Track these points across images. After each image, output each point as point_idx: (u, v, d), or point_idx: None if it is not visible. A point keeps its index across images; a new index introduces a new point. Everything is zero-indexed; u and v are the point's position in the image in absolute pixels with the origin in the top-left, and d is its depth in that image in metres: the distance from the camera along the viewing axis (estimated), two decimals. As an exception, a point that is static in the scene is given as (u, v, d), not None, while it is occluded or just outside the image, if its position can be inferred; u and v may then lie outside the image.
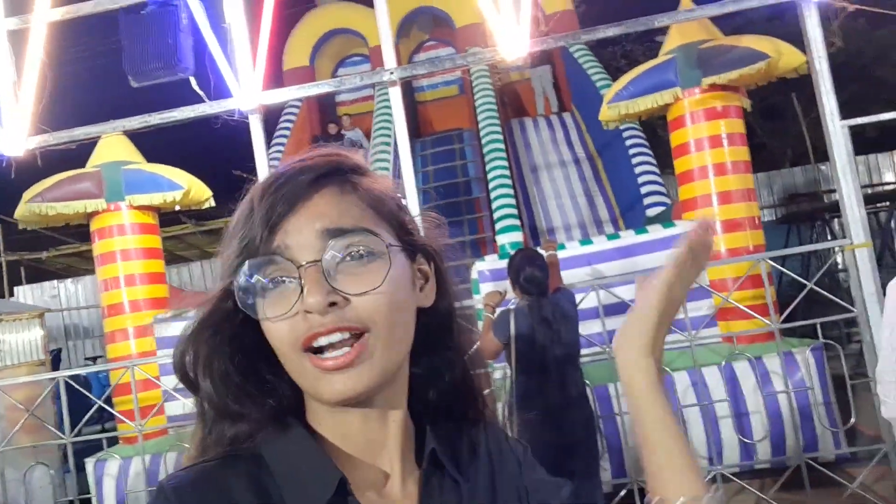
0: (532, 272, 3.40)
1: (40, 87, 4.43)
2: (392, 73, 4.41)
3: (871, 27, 12.44)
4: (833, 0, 4.27)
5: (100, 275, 5.90)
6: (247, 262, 0.67)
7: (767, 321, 4.46)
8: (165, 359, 5.38)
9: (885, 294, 2.39)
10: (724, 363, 4.72)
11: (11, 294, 12.87)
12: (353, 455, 0.72)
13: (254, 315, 0.68)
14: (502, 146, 8.23)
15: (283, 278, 0.67)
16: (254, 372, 0.72)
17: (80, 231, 7.30)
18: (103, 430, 5.68)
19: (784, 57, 4.99)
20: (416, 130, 11.02)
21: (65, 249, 13.57)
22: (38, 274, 14.29)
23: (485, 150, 8.29)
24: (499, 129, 8.57)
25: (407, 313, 0.72)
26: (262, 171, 4.59)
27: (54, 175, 5.73)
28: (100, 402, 5.00)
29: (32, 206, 5.61)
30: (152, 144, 5.81)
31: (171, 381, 5.14)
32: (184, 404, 5.12)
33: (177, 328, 5.71)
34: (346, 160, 0.74)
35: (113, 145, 5.86)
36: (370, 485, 0.72)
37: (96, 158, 5.96)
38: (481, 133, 8.67)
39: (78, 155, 5.76)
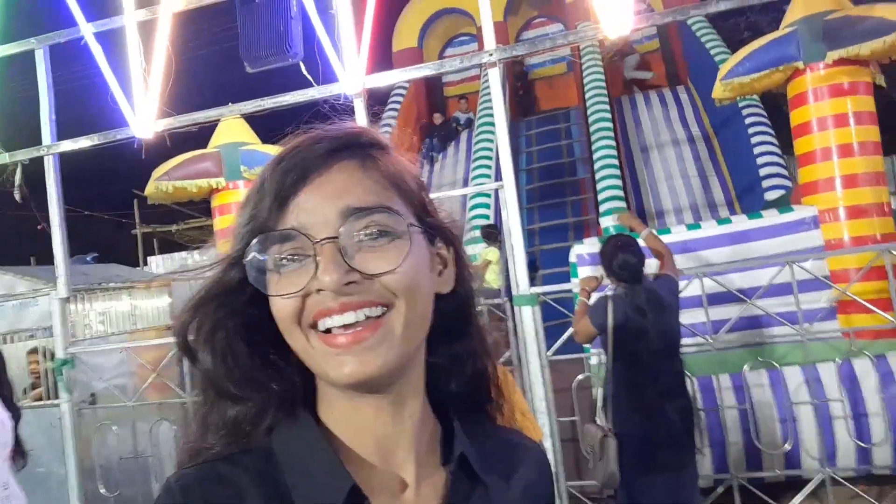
0: (625, 258, 3.30)
1: (166, 73, 4.74)
2: (491, 54, 4.37)
3: None
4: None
5: (220, 248, 6.26)
6: (259, 236, 0.64)
7: (890, 317, 4.12)
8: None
9: None
10: (841, 360, 4.41)
11: (145, 263, 13.95)
12: (364, 451, 0.68)
13: (264, 290, 0.65)
14: (609, 125, 8.01)
15: (298, 254, 0.63)
16: (259, 351, 0.68)
17: (207, 206, 7.82)
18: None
19: (923, 28, 4.54)
20: (525, 109, 10.91)
21: (192, 223, 14.57)
22: (169, 245, 15.44)
23: (591, 128, 8.10)
24: (607, 107, 8.34)
25: (426, 296, 0.68)
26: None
27: (179, 155, 6.15)
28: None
29: (160, 184, 6.06)
30: (268, 126, 6.10)
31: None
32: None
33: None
34: (366, 134, 0.71)
35: (231, 127, 6.21)
36: (382, 487, 0.68)
37: (216, 139, 6.33)
38: (588, 111, 8.47)
39: (201, 136, 6.16)
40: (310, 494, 0.64)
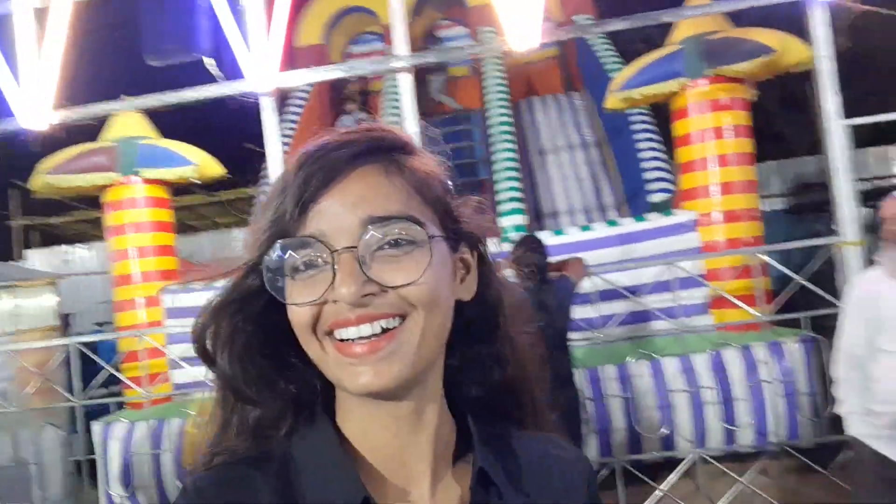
0: (534, 259, 3.55)
1: (63, 62, 4.55)
2: (402, 60, 4.50)
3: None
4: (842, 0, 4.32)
5: (111, 245, 6.08)
6: (278, 242, 0.64)
7: (756, 312, 4.58)
8: (173, 329, 5.58)
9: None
10: (713, 351, 4.86)
11: (21, 257, 13.09)
12: (380, 460, 0.67)
13: (280, 298, 0.64)
14: (510, 128, 8.29)
15: (315, 262, 0.63)
16: (278, 355, 0.68)
17: (92, 197, 7.48)
18: (109, 395, 5.90)
19: (790, 51, 5.04)
20: (427, 110, 11.08)
21: (77, 215, 13.74)
22: (51, 238, 14.52)
23: (492, 131, 8.36)
24: (508, 110, 8.62)
25: (445, 306, 0.66)
26: (273, 150, 4.72)
27: (71, 147, 5.89)
28: (109, 368, 5.19)
29: (48, 178, 5.79)
30: (167, 120, 5.95)
31: (178, 350, 5.33)
32: (190, 373, 5.32)
33: (185, 300, 5.89)
34: (391, 136, 0.69)
35: (128, 120, 6.00)
36: (397, 498, 0.67)
37: (111, 132, 6.09)
38: (488, 114, 8.73)
39: (97, 127, 5.92)
40: (322, 503, 0.64)
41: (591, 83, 10.03)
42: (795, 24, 4.70)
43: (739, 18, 5.42)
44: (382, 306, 0.62)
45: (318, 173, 0.64)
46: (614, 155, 9.04)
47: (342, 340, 0.63)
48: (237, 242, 13.06)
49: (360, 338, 0.62)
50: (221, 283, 0.71)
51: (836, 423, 4.82)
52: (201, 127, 7.96)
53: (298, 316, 0.64)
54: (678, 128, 5.57)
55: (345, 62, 9.89)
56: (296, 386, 0.69)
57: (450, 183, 0.73)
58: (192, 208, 13.19)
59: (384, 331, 0.63)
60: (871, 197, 9.33)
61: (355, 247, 0.62)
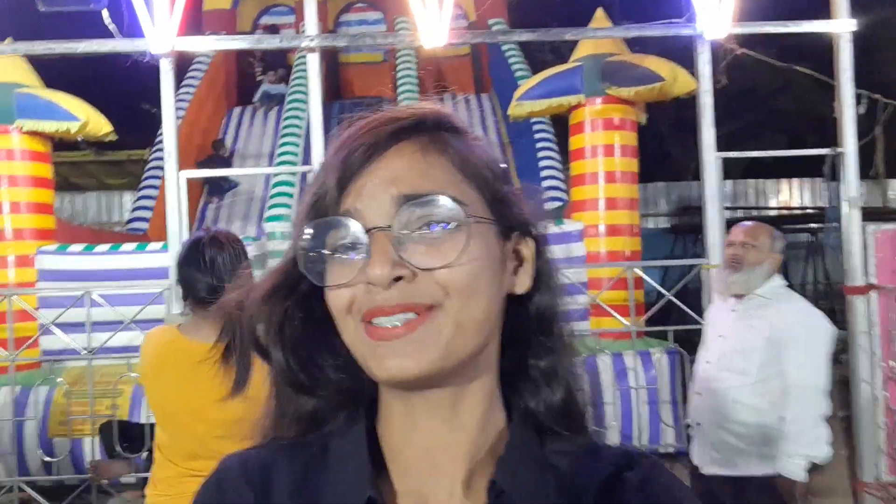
0: None
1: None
2: (312, 39, 4.47)
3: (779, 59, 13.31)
4: (725, 41, 4.66)
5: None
6: (312, 223, 0.61)
7: (627, 322, 4.88)
8: (46, 291, 5.28)
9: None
10: (587, 356, 5.13)
11: None
12: (410, 459, 0.64)
13: (316, 281, 0.62)
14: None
15: (350, 244, 0.60)
16: (326, 344, 0.65)
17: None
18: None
19: (678, 82, 5.38)
20: (336, 92, 10.96)
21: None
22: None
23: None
24: (417, 100, 8.68)
25: (488, 298, 0.61)
26: (169, 115, 4.56)
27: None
28: (-30, 329, 4.86)
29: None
30: (57, 71, 5.59)
31: (49, 314, 5.06)
32: (61, 339, 5.06)
33: (60, 261, 5.58)
34: (435, 114, 0.65)
35: (8, 65, 5.58)
36: (412, 500, 0.63)
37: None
38: (400, 104, 8.76)
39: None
40: (335, 499, 0.63)
41: (500, 86, 10.27)
42: (685, 57, 5.04)
43: (635, 45, 5.73)
44: (414, 295, 0.58)
45: (358, 151, 0.61)
46: (516, 159, 9.31)
47: (373, 324, 0.59)
48: (126, 206, 12.45)
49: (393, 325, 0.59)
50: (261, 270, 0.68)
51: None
52: (90, 81, 7.54)
53: (334, 299, 0.61)
54: (574, 142, 5.83)
55: (254, 33, 9.62)
56: (345, 377, 0.66)
57: (502, 166, 0.67)
58: (78, 165, 12.43)
59: (416, 315, 0.59)
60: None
61: (390, 226, 0.59)
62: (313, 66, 4.52)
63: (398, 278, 0.58)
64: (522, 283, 0.66)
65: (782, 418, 2.63)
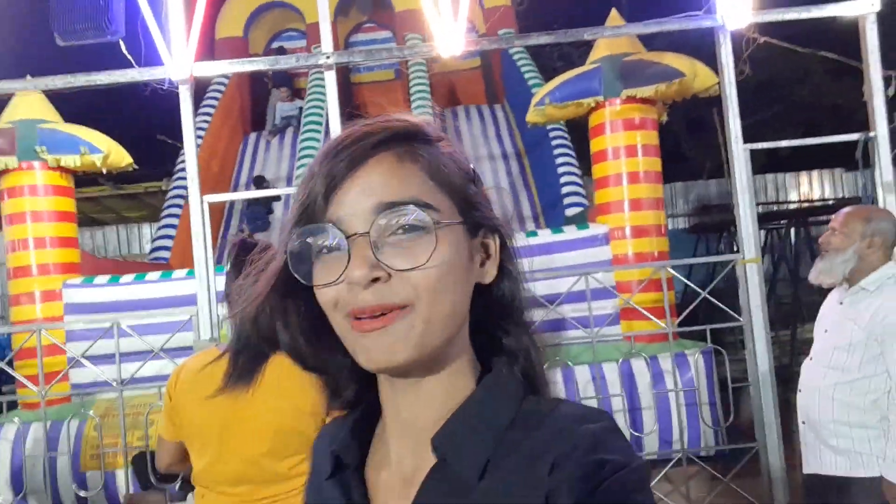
0: None
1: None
2: (328, 57, 4.46)
3: (793, 50, 13.20)
4: (745, 30, 4.58)
5: (7, 235, 5.69)
6: (299, 229, 0.68)
7: (662, 323, 4.78)
8: (73, 324, 5.28)
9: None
10: (622, 360, 5.03)
11: None
12: (392, 426, 0.74)
13: (305, 281, 0.68)
14: (432, 136, 8.34)
15: (334, 247, 0.67)
16: (326, 331, 0.72)
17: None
18: (1, 394, 5.50)
19: (699, 77, 5.32)
20: (349, 112, 11.00)
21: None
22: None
23: (415, 138, 8.38)
24: (431, 118, 8.68)
25: (457, 292, 0.69)
26: (189, 140, 4.56)
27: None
28: (3, 365, 4.86)
29: (-62, 159, 5.36)
30: (73, 105, 5.63)
31: (77, 347, 5.06)
32: (90, 372, 5.04)
33: (87, 294, 5.59)
34: (407, 125, 0.72)
35: (29, 102, 5.64)
36: (390, 464, 0.74)
37: (9, 115, 5.71)
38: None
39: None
40: (328, 462, 0.78)
41: (512, 96, 10.25)
42: (705, 51, 4.96)
43: (651, 43, 5.67)
44: (390, 295, 0.66)
45: (342, 163, 0.68)
46: (533, 167, 9.26)
47: (358, 319, 0.67)
48: (145, 238, 12.53)
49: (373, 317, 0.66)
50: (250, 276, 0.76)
51: (732, 431, 5.12)
52: (105, 114, 7.60)
53: (321, 296, 0.69)
54: (595, 144, 5.76)
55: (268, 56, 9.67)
56: (351, 359, 0.72)
57: (472, 170, 0.75)
58: (97, 200, 12.55)
59: (392, 311, 0.67)
60: (765, 220, 9.95)
61: (368, 232, 0.66)
62: (331, 84, 4.50)
63: (376, 279, 0.65)
64: (490, 274, 0.75)
65: (885, 419, 2.47)
